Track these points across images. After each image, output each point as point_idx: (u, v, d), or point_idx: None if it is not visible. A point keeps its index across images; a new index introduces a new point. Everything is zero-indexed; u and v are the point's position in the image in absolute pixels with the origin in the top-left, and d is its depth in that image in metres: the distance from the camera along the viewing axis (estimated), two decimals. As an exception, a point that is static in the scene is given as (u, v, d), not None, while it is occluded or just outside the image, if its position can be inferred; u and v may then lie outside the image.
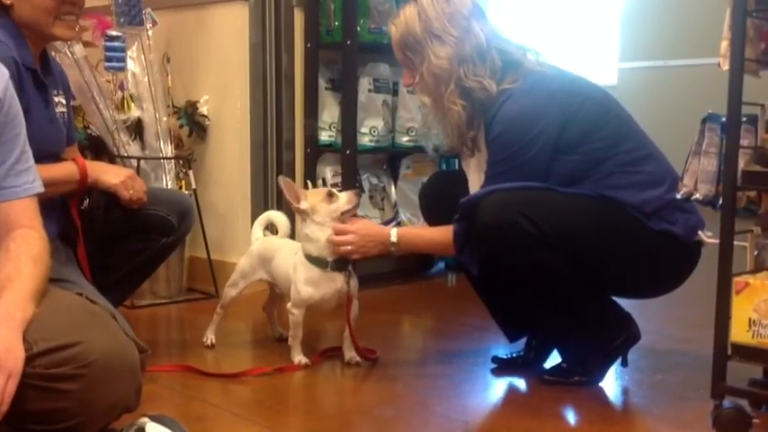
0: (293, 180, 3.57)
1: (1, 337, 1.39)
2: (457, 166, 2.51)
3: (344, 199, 2.35)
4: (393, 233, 2.30)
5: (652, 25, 6.85)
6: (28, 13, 2.06)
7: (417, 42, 2.22)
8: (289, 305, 2.42)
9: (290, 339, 2.42)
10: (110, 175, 2.25)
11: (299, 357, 2.39)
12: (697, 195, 1.93)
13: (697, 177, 1.93)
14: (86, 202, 2.26)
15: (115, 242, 2.33)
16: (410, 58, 2.24)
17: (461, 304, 3.22)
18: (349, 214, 2.36)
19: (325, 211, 2.33)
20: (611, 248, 2.12)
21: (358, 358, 2.41)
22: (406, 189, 3.86)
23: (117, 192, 2.24)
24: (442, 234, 2.22)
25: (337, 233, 2.32)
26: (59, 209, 2.17)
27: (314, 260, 2.35)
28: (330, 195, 2.35)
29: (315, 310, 2.45)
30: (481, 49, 2.21)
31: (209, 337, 2.63)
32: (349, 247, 2.33)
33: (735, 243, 1.81)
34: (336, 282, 2.36)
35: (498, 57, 2.21)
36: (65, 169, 2.17)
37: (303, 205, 2.34)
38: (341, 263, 2.35)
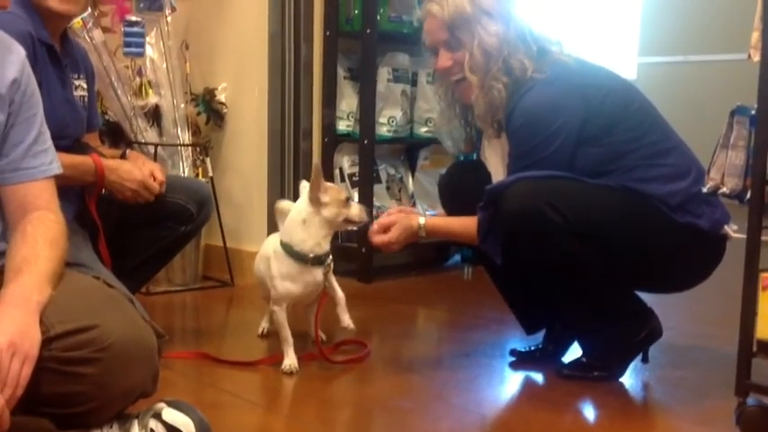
0: (310, 167, 3.57)
1: (17, 320, 1.37)
2: (476, 156, 2.48)
3: (355, 210, 2.25)
4: (421, 219, 2.27)
5: (672, 20, 6.80)
6: None
7: (467, 20, 2.19)
8: (270, 304, 2.33)
9: (282, 342, 2.28)
10: (116, 189, 2.20)
11: (289, 362, 2.24)
12: (724, 189, 1.89)
13: (724, 171, 1.88)
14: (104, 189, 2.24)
15: (133, 229, 2.31)
16: (457, 36, 2.21)
17: (478, 296, 3.20)
18: (350, 226, 2.29)
19: (335, 212, 2.23)
20: (636, 240, 2.09)
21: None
22: (423, 180, 3.84)
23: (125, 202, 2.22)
24: (468, 222, 2.19)
25: (379, 230, 2.27)
26: (76, 190, 2.16)
27: (293, 253, 2.24)
28: (346, 201, 2.25)
29: (296, 304, 2.37)
30: (522, 32, 2.21)
31: (263, 326, 2.61)
32: (391, 244, 2.28)
33: (762, 238, 1.78)
34: (316, 275, 2.26)
35: (533, 42, 2.21)
36: (80, 167, 2.12)
37: (324, 198, 2.22)
38: (320, 258, 2.25)
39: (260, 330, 2.61)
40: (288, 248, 2.24)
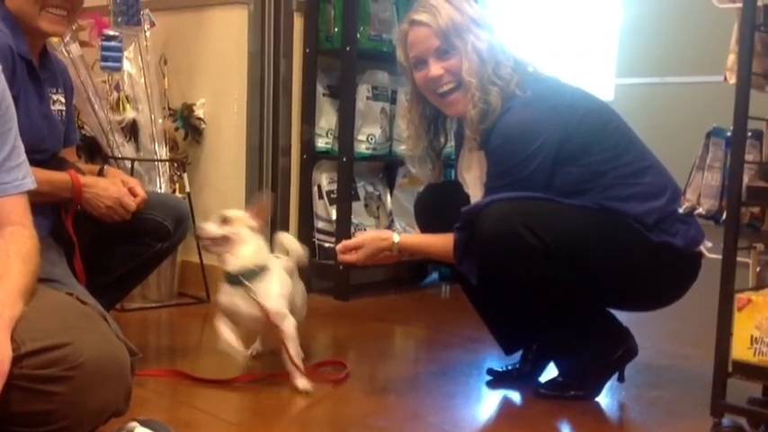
0: (288, 184, 3.56)
1: None
2: (453, 176, 2.49)
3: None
4: (395, 236, 2.26)
5: (650, 42, 6.86)
6: (16, 2, 2.02)
7: (459, 27, 2.20)
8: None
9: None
10: (91, 205, 2.18)
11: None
12: (700, 210, 1.91)
13: (700, 192, 1.91)
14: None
15: (109, 245, 2.29)
16: (451, 41, 2.20)
17: (455, 315, 3.20)
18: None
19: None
20: (612, 260, 2.10)
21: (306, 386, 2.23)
22: (401, 198, 3.84)
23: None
24: (442, 241, 2.19)
25: (345, 250, 2.25)
26: (52, 206, 2.14)
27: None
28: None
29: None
30: (502, 46, 2.23)
31: (255, 348, 2.54)
32: (357, 264, 2.28)
33: (737, 259, 1.79)
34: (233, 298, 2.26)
35: (511, 57, 2.22)
36: (57, 183, 2.11)
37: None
38: (232, 276, 2.24)
39: (250, 352, 2.49)
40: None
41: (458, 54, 2.20)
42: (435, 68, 2.22)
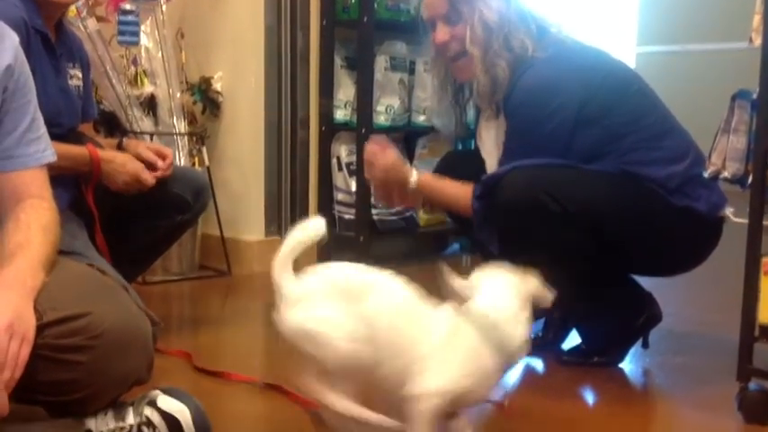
0: (307, 156, 3.55)
1: (13, 302, 1.35)
2: (473, 146, 2.47)
3: None
4: (414, 173, 2.24)
5: (671, 9, 6.77)
6: None
7: None
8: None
9: None
10: (109, 179, 2.19)
11: None
12: (725, 174, 1.88)
13: (725, 155, 1.88)
14: None
15: (129, 218, 2.29)
16: (457, 8, 2.17)
17: (477, 285, 3.18)
18: None
19: None
20: (634, 226, 2.08)
21: None
22: (421, 169, 3.81)
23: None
24: (461, 191, 2.18)
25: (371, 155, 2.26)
26: (72, 179, 2.14)
27: None
28: None
29: None
30: (522, 12, 2.19)
31: None
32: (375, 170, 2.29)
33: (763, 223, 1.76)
34: None
35: (533, 22, 2.18)
36: (76, 158, 2.11)
37: None
38: None
39: None
40: None
41: (464, 22, 2.17)
42: (442, 33, 2.21)
